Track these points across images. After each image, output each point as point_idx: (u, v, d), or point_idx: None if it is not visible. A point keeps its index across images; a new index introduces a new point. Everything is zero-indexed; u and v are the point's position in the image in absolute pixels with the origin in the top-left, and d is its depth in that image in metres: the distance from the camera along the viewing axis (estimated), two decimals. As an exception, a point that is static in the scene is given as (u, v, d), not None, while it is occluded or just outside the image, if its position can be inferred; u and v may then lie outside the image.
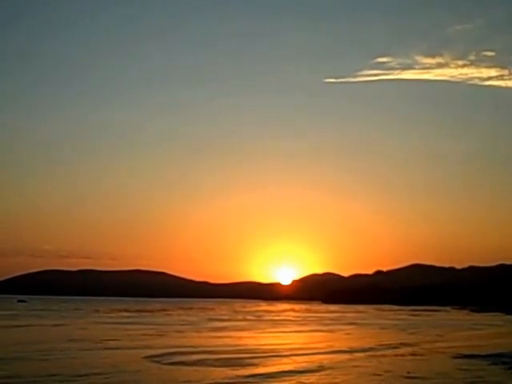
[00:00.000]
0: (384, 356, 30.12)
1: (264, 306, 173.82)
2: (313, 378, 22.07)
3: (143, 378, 21.44)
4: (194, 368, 24.37)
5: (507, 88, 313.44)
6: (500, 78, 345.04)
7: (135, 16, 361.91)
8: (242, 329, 56.64)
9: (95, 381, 20.43)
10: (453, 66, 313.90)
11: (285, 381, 21.47)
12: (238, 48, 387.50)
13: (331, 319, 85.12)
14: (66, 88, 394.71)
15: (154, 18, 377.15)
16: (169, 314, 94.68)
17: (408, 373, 23.32)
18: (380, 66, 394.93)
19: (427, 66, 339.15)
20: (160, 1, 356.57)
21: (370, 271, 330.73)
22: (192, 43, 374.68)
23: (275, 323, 71.76)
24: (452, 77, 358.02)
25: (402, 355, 30.96)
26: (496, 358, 29.71)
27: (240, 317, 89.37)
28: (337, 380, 21.50)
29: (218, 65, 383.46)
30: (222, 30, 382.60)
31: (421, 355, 31.27)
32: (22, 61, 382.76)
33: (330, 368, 24.61)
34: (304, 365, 25.91)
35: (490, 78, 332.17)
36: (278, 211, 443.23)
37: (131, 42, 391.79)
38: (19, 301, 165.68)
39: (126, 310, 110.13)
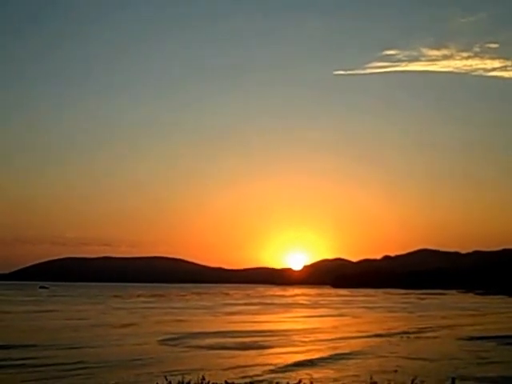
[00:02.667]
0: (392, 338, 31.17)
1: (277, 291, 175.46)
2: (329, 368, 22.63)
3: (162, 361, 22.29)
4: (212, 352, 25.06)
5: (511, 79, 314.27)
6: (504, 69, 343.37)
7: (147, 16, 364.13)
8: (257, 313, 57.98)
9: (115, 363, 21.32)
10: (458, 57, 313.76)
11: (296, 371, 21.66)
12: (249, 42, 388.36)
13: (342, 303, 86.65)
14: (88, 83, 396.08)
15: (166, 17, 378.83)
16: (186, 299, 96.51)
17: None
18: (388, 58, 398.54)
19: (433, 57, 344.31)
20: (174, 1, 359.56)
21: (379, 256, 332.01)
22: (205, 40, 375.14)
23: (289, 307, 73.39)
24: (457, 68, 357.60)
25: (409, 337, 31.90)
26: (502, 340, 30.51)
27: (254, 301, 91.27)
28: (351, 369, 22.29)
29: (233, 59, 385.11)
30: (235, 26, 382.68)
31: (427, 337, 32.23)
32: (46, 57, 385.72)
33: (345, 354, 24.92)
34: (320, 353, 25.96)
35: (493, 69, 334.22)
36: (290, 199, 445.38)
37: (146, 41, 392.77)
38: (41, 287, 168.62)
39: (144, 296, 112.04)
